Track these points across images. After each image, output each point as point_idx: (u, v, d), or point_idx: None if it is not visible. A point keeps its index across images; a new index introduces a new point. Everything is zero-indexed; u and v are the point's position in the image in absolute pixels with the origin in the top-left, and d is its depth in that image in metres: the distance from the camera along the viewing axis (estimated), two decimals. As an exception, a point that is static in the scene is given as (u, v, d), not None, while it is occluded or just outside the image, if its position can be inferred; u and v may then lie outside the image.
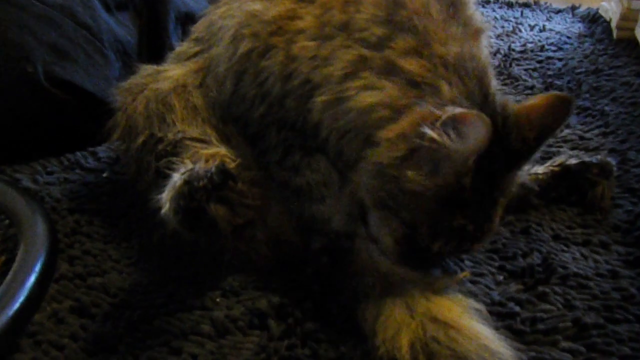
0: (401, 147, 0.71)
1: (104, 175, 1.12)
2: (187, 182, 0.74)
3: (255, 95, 0.87)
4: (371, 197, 0.77)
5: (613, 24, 1.91)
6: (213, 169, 0.74)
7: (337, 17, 0.80)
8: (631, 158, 1.17)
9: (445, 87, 0.72)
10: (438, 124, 0.67)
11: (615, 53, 1.75)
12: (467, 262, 0.90)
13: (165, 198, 0.76)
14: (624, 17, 1.83)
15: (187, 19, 1.35)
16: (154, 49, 1.30)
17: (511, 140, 0.72)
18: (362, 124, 0.77)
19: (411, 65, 0.74)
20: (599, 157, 1.05)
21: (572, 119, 1.36)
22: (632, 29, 1.80)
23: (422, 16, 0.76)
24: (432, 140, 0.67)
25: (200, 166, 0.77)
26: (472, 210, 0.73)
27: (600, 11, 2.11)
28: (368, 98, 0.76)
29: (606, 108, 1.40)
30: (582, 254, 0.91)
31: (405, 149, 0.71)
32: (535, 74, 1.61)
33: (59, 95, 1.09)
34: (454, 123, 0.66)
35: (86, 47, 1.14)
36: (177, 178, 0.76)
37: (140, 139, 0.93)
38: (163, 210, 0.75)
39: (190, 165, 0.78)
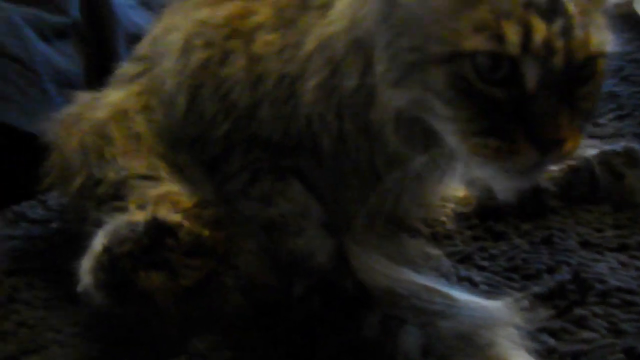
0: None
1: (52, 225, 0.98)
2: (106, 250, 0.61)
3: (218, 111, 0.75)
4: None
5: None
6: (141, 227, 0.60)
7: None
8: (655, 140, 1.03)
9: None
10: None
11: (618, 29, 1.62)
12: (482, 287, 0.74)
13: (84, 268, 0.62)
14: (621, -9, 1.71)
15: (138, 40, 1.22)
16: (104, 76, 1.17)
17: None
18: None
19: None
20: (621, 144, 0.91)
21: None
22: (630, 3, 1.69)
23: None
24: None
25: (124, 223, 0.63)
26: None
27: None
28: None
29: (617, 89, 1.27)
30: (620, 262, 0.76)
31: None
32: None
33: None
34: None
35: (20, 82, 1.01)
36: (97, 241, 0.63)
37: (77, 182, 0.81)
38: (81, 286, 0.63)
39: (113, 223, 0.65)
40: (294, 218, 0.74)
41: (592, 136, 1.08)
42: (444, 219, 0.87)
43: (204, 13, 0.77)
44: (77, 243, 0.85)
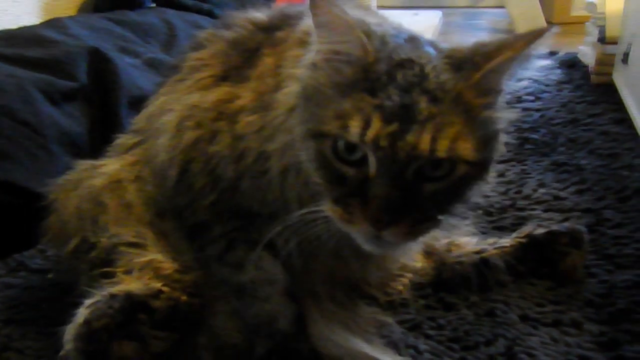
0: None
1: (49, 276, 1.06)
2: (86, 322, 0.70)
3: (206, 184, 0.83)
4: None
5: (591, 69, 1.87)
6: (117, 305, 0.69)
7: (270, 83, 0.80)
8: (608, 217, 1.11)
9: None
10: None
11: (594, 100, 1.71)
12: (425, 355, 0.82)
13: (67, 336, 0.71)
14: (599, 62, 1.80)
15: (142, 103, 1.32)
16: (108, 138, 1.27)
17: None
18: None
19: None
20: (567, 224, 0.99)
21: (548, 177, 1.30)
22: (609, 74, 1.75)
23: None
24: None
25: (104, 298, 0.72)
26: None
27: (579, 55, 2.08)
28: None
29: (583, 162, 1.34)
30: (551, 337, 0.83)
31: None
32: (510, 129, 1.56)
33: (-1, 198, 1.04)
34: None
35: (27, 144, 1.10)
36: (80, 312, 0.71)
37: (73, 244, 0.89)
38: (63, 350, 0.71)
39: (95, 297, 0.74)
40: (262, 284, 0.81)
41: (550, 209, 1.16)
42: (400, 287, 0.95)
43: (194, 97, 0.86)
44: (69, 297, 0.94)
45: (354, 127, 0.63)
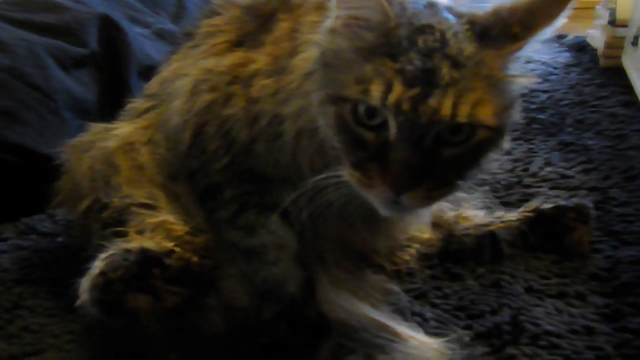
0: None
1: (59, 239, 1.07)
2: (102, 273, 0.71)
3: (219, 147, 0.83)
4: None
5: (599, 53, 1.87)
6: (132, 257, 0.70)
7: (286, 47, 0.80)
8: (613, 196, 1.11)
9: None
10: None
11: (602, 82, 1.71)
12: (431, 323, 0.83)
13: (83, 287, 0.72)
14: (609, 45, 1.80)
15: (151, 72, 1.32)
16: (117, 105, 1.27)
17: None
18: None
19: None
20: (574, 200, 1.00)
21: (554, 156, 1.30)
22: (618, 57, 1.75)
23: None
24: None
25: (119, 251, 0.73)
26: None
27: (587, 39, 2.07)
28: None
29: (589, 142, 1.35)
30: (556, 308, 0.84)
31: None
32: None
33: (8, 159, 1.05)
34: None
35: (38, 108, 1.11)
36: (96, 265, 0.72)
37: (85, 204, 0.89)
38: (79, 301, 0.72)
39: (111, 250, 0.75)
40: (272, 248, 0.82)
41: (556, 187, 1.17)
42: (407, 257, 0.96)
43: (210, 62, 0.86)
44: (79, 259, 0.95)
45: (375, 91, 0.64)
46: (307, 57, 0.75)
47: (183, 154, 0.87)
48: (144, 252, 0.74)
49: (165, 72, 0.96)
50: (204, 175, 0.86)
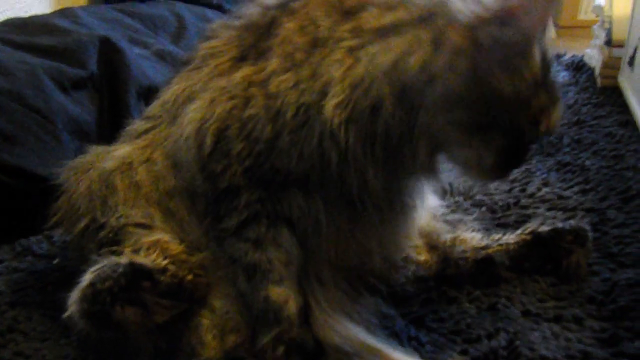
0: (463, 63, 0.71)
1: (54, 262, 1.07)
2: (91, 284, 0.71)
3: (242, 149, 0.81)
4: (455, 131, 0.74)
5: (596, 72, 1.87)
6: (120, 269, 0.70)
7: (300, 41, 0.79)
8: (610, 217, 1.11)
9: None
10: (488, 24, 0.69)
11: (599, 102, 1.71)
12: (427, 347, 0.83)
13: (72, 298, 0.72)
14: (606, 65, 1.80)
15: (150, 93, 1.33)
16: (115, 126, 1.28)
17: None
18: (396, 79, 0.74)
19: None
20: (572, 222, 0.99)
21: (552, 176, 1.30)
22: (615, 77, 1.76)
23: None
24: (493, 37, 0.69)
25: (109, 264, 0.73)
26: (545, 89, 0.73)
27: (584, 59, 2.08)
28: (387, 55, 0.75)
29: (587, 162, 1.35)
30: (552, 332, 0.84)
31: (468, 62, 0.71)
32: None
33: (6, 182, 1.05)
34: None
35: (37, 130, 1.11)
36: (86, 277, 0.72)
37: (82, 224, 0.89)
38: (67, 313, 0.72)
39: (101, 263, 0.75)
40: (279, 266, 0.80)
41: (554, 208, 1.17)
42: (404, 280, 0.96)
43: (222, 82, 0.84)
44: (75, 281, 0.96)
45: None
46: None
47: (204, 160, 0.83)
48: (132, 265, 0.73)
49: (165, 95, 0.95)
50: (225, 179, 0.83)
